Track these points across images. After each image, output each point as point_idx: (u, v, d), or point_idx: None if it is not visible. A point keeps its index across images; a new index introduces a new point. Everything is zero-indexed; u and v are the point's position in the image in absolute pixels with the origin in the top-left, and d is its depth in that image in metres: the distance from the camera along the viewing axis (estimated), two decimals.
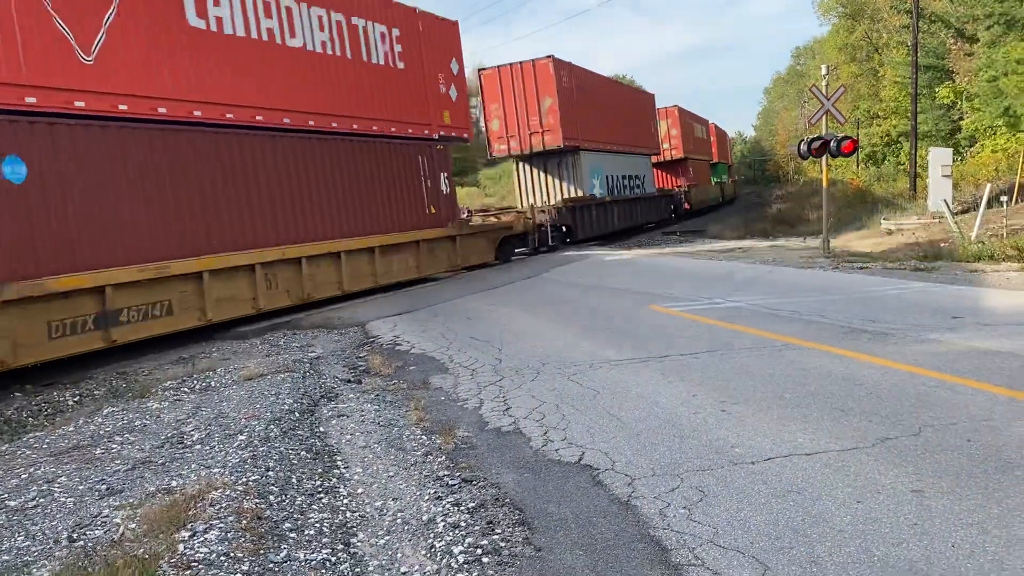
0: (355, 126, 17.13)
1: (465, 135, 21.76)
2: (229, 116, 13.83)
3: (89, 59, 11.45)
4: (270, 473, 5.81)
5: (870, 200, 35.86)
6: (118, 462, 6.42)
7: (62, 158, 11.07)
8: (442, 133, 20.41)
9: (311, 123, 15.87)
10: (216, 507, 5.06)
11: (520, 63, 27.63)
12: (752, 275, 16.32)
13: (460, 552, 4.46)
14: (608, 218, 31.23)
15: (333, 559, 4.49)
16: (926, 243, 19.28)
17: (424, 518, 5.01)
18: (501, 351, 10.09)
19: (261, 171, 14.64)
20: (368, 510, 5.25)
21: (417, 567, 4.35)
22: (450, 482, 5.62)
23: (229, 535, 4.64)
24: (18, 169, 10.55)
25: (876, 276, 14.76)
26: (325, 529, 4.92)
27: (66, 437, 7.44)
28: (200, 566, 4.28)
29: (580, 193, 28.69)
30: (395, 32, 18.75)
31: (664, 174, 44.80)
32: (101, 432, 7.46)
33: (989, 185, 21.32)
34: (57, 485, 5.95)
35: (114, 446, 6.93)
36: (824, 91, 20.08)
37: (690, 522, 4.57)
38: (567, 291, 16.09)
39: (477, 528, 4.78)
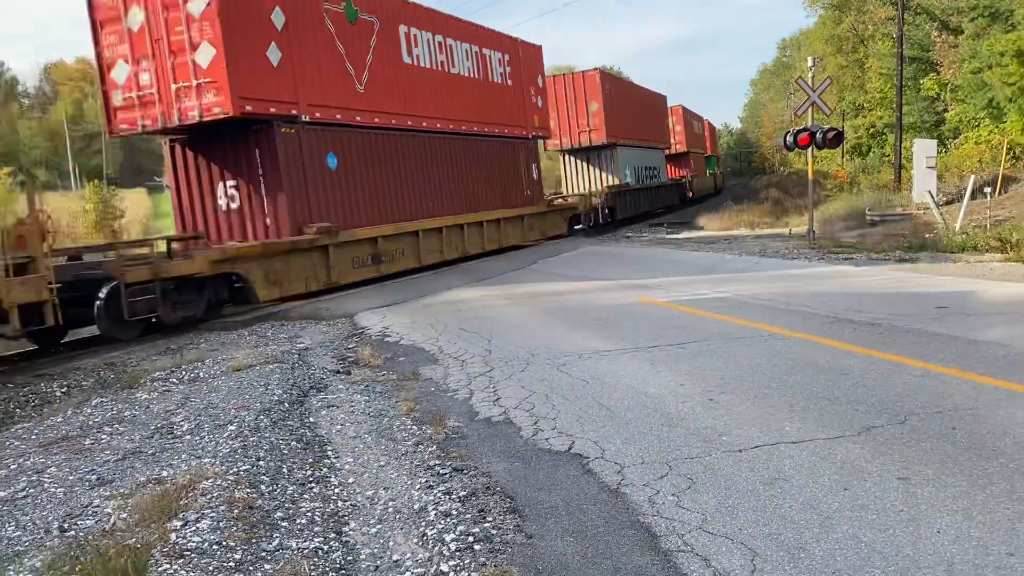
0: (485, 129, 23.60)
1: (545, 134, 28.61)
2: (424, 124, 20.34)
3: (361, 89, 17.82)
4: (261, 463, 5.82)
5: (856, 191, 36.01)
6: (108, 452, 6.42)
7: (351, 153, 17.49)
8: (533, 134, 27.19)
9: (463, 128, 22.30)
10: (207, 496, 5.08)
11: (571, 74, 34.83)
12: (739, 266, 16.41)
13: (452, 540, 4.49)
14: (637, 202, 37.49)
15: (325, 547, 4.51)
16: (911, 234, 19.41)
17: (415, 507, 5.04)
18: (490, 341, 10.12)
19: (439, 162, 21.05)
20: (359, 499, 5.27)
21: (409, 555, 4.38)
22: (441, 471, 5.64)
23: (221, 524, 4.65)
24: (334, 161, 16.87)
25: (861, 266, 14.88)
26: (317, 518, 4.94)
27: (55, 428, 7.42)
28: (193, 555, 4.30)
29: (617, 181, 34.42)
30: (505, 57, 25.39)
31: (671, 166, 48.70)
32: (90, 423, 7.45)
33: (973, 176, 21.47)
34: (47, 476, 5.94)
35: (103, 436, 6.93)
36: (810, 83, 20.16)
37: (679, 509, 4.61)
38: (555, 283, 16.13)
39: (468, 516, 4.81)
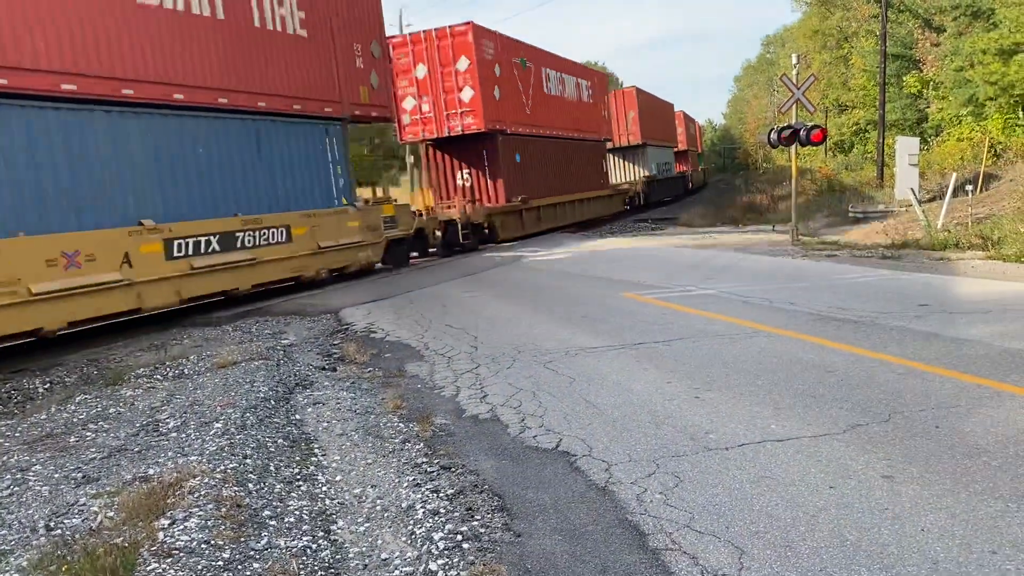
0: (583, 135, 34.65)
1: (609, 138, 39.90)
2: (559, 134, 31.44)
3: (528, 110, 28.08)
4: (248, 461, 5.81)
5: (838, 188, 36.22)
6: (93, 450, 6.39)
7: (528, 153, 27.94)
8: (604, 137, 38.88)
9: (573, 135, 33.30)
10: (195, 495, 5.06)
11: (614, 92, 44.82)
12: (723, 263, 16.48)
13: (440, 538, 4.50)
14: (660, 190, 48.32)
15: (314, 546, 4.51)
16: (893, 231, 19.54)
17: (403, 505, 5.04)
18: (476, 338, 10.13)
19: (564, 158, 32.07)
20: (347, 497, 5.27)
21: (398, 553, 4.39)
22: (428, 469, 5.65)
23: (209, 523, 4.64)
24: (519, 158, 26.67)
25: (844, 264, 14.97)
26: (305, 516, 4.94)
27: (38, 425, 7.38)
28: (181, 554, 4.29)
29: (648, 174, 44.90)
30: (590, 83, 36.78)
31: (676, 162, 59.27)
32: (74, 420, 7.41)
33: (955, 174, 21.62)
34: (32, 474, 5.91)
35: (88, 434, 6.89)
36: (795, 80, 20.25)
37: (667, 507, 4.64)
38: (544, 279, 16.15)
39: (457, 514, 4.82)
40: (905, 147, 25.47)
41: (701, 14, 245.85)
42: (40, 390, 9.09)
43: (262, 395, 7.73)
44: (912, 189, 21.97)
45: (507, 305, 12.76)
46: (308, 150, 16.88)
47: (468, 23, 24.13)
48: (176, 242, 13.13)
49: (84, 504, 5.17)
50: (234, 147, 14.84)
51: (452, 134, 24.78)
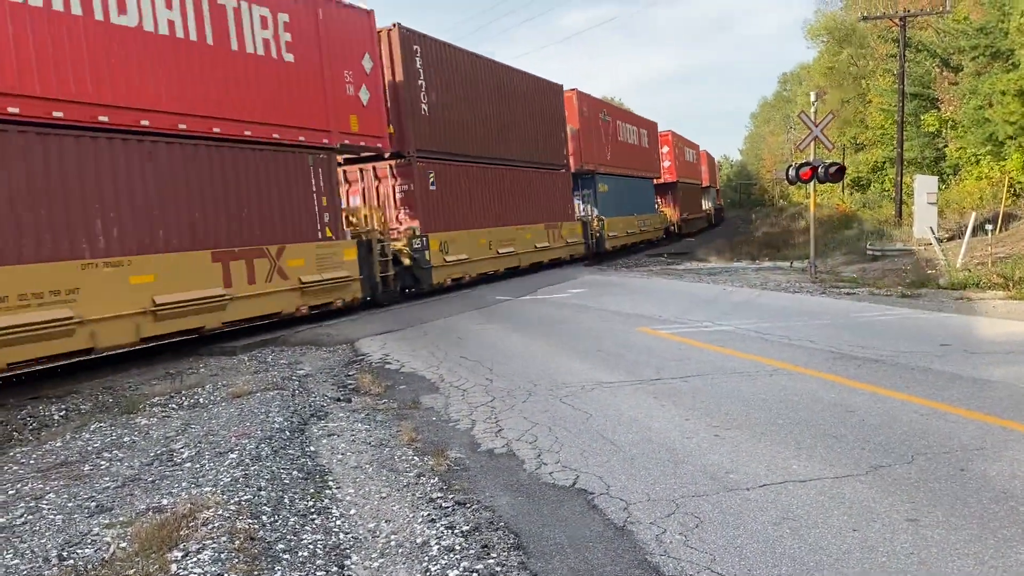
0: (646, 174, 42.52)
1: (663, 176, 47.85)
2: (628, 172, 38.27)
3: (608, 156, 35.07)
4: (262, 493, 5.76)
5: (856, 226, 36.10)
6: (107, 479, 6.35)
7: (610, 185, 35.35)
8: (654, 175, 45.23)
9: (640, 174, 40.72)
10: (208, 527, 5.01)
11: (659, 133, 48.02)
12: (740, 299, 16.39)
13: None
14: (696, 223, 55.46)
15: None
16: (912, 269, 19.41)
17: (418, 541, 4.97)
18: (492, 371, 10.07)
19: (635, 190, 39.47)
20: (361, 532, 5.21)
21: None
22: (443, 504, 5.58)
23: (222, 556, 4.59)
24: (606, 187, 34.66)
25: (863, 302, 14.86)
26: (319, 551, 4.87)
27: (53, 453, 7.36)
28: None
29: (680, 208, 50.91)
30: (646, 132, 43.00)
31: (702, 199, 64.22)
32: (89, 448, 7.38)
33: (974, 213, 21.52)
34: (45, 502, 5.87)
35: (102, 462, 6.86)
36: (813, 117, 20.26)
37: (687, 548, 4.55)
38: (557, 312, 16.10)
39: (472, 552, 4.74)
40: (924, 186, 25.40)
41: (718, 51, 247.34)
42: (55, 417, 9.08)
43: (277, 426, 7.69)
44: (931, 228, 21.88)
45: (521, 338, 12.71)
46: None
47: (574, 89, 30.24)
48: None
49: (97, 534, 5.12)
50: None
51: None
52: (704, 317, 13.70)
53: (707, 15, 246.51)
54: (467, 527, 5.13)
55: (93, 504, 5.74)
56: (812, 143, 20.31)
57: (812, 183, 20.20)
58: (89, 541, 5.02)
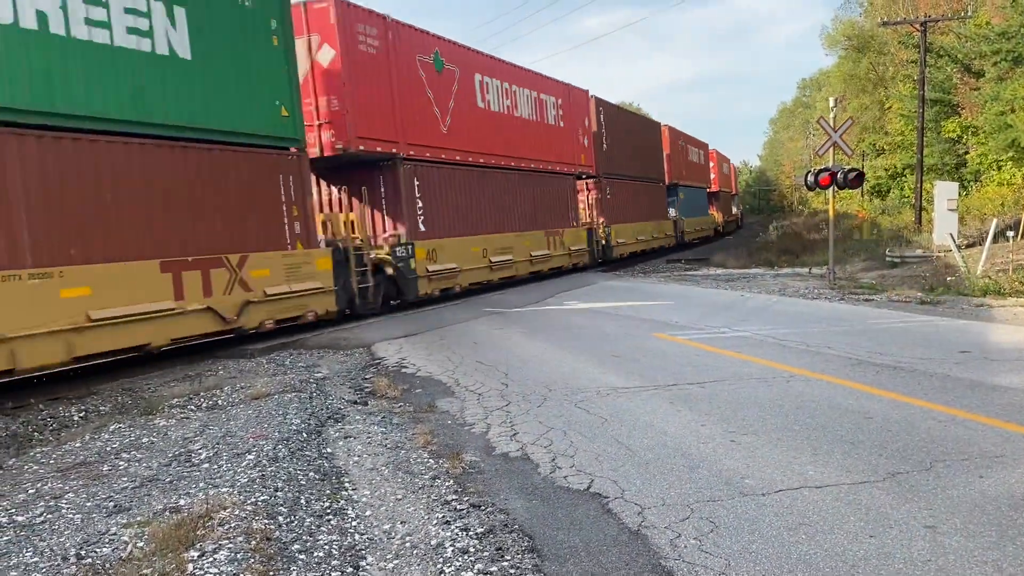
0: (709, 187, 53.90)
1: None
2: (692, 183, 49.64)
3: (683, 170, 46.95)
4: (279, 494, 5.80)
5: (875, 232, 35.90)
6: (125, 479, 6.41)
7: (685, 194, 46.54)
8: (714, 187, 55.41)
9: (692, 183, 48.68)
10: (225, 527, 5.05)
11: (706, 150, 55.76)
12: (758, 304, 16.33)
13: None
14: (730, 226, 62.29)
15: None
16: (932, 276, 19.28)
17: (433, 543, 4.99)
18: (507, 375, 10.08)
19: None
20: (376, 533, 5.22)
21: None
22: (458, 507, 5.59)
23: (239, 556, 4.62)
24: (683, 196, 44.44)
25: (882, 308, 14.77)
26: (334, 551, 4.89)
27: (72, 453, 7.43)
28: None
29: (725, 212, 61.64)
30: (700, 151, 51.16)
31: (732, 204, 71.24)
32: (108, 448, 7.45)
33: (995, 220, 21.34)
34: (64, 501, 5.93)
35: (121, 463, 6.92)
36: (832, 123, 20.17)
37: (701, 553, 4.54)
38: (573, 318, 16.10)
39: (486, 554, 4.75)
40: (944, 192, 25.21)
41: (737, 56, 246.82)
42: (75, 418, 9.17)
43: (294, 427, 7.74)
44: (951, 234, 21.71)
45: (537, 343, 12.71)
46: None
47: (667, 125, 28.33)
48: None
49: (115, 533, 5.17)
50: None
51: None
52: (721, 323, 13.66)
53: (726, 21, 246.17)
54: (481, 529, 5.13)
55: (111, 504, 5.79)
56: (831, 149, 20.21)
57: (831, 189, 20.10)
58: (107, 540, 5.07)
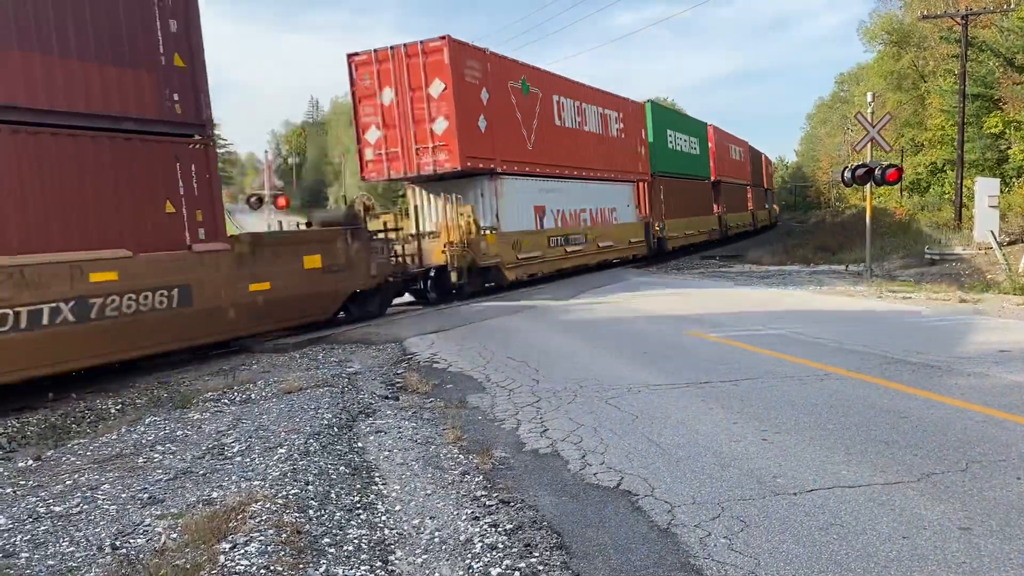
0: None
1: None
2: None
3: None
4: (309, 487, 5.84)
5: (914, 229, 35.38)
6: (160, 471, 6.50)
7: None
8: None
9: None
10: (256, 520, 5.10)
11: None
12: (793, 302, 16.17)
13: (498, 574, 4.44)
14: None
15: None
16: (972, 274, 18.96)
17: (461, 538, 5.00)
18: (538, 371, 10.08)
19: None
20: (406, 528, 5.25)
21: None
22: (487, 503, 5.60)
23: (269, 548, 4.66)
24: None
25: (920, 306, 14.55)
26: (363, 545, 4.93)
27: (109, 445, 7.55)
28: None
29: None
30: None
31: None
32: (143, 441, 7.56)
33: None
34: (100, 492, 6.03)
35: (156, 455, 7.02)
36: (870, 118, 19.90)
37: (731, 552, 4.51)
38: (604, 315, 16.05)
39: (515, 550, 4.75)
40: (985, 188, 24.79)
41: (774, 51, 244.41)
42: (112, 411, 9.32)
43: (326, 422, 7.80)
44: (992, 232, 21.34)
45: (568, 340, 12.69)
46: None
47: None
48: None
49: (149, 525, 5.25)
50: None
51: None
52: (755, 320, 13.54)
53: (762, 15, 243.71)
54: (510, 526, 5.14)
55: (146, 496, 5.88)
56: (869, 144, 19.95)
57: (868, 185, 19.84)
58: (141, 531, 5.15)
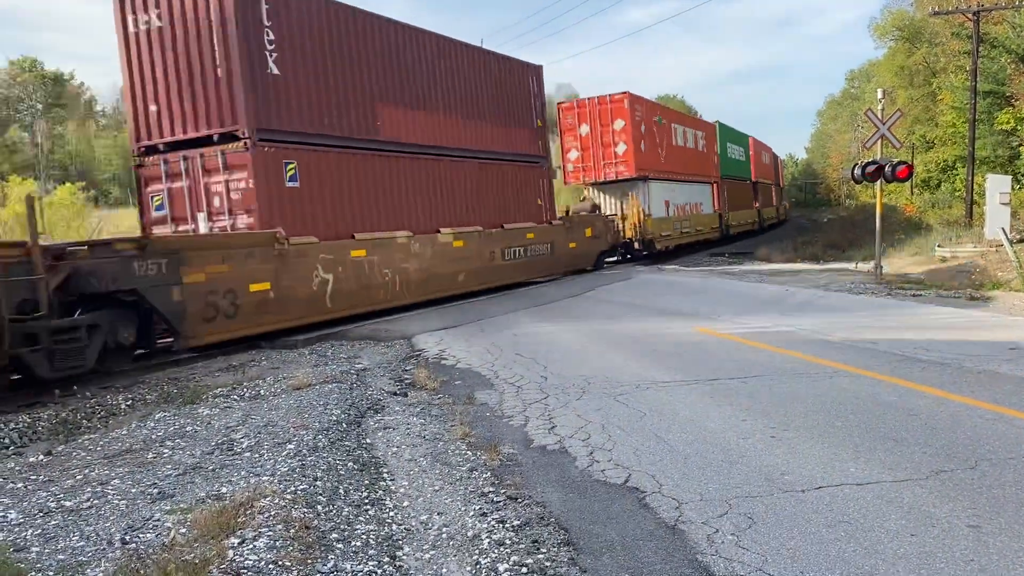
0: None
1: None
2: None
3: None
4: (318, 483, 5.87)
5: (924, 226, 35.22)
6: (169, 467, 6.53)
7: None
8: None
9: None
10: (265, 515, 5.12)
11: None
12: (803, 299, 16.12)
13: (505, 570, 4.45)
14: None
15: (379, 571, 4.50)
16: (982, 272, 18.87)
17: (469, 534, 5.01)
18: (546, 368, 10.08)
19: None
20: (414, 523, 5.27)
21: None
22: (495, 499, 5.62)
23: (277, 543, 4.68)
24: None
25: (930, 304, 14.49)
26: (371, 541, 4.94)
27: (119, 440, 7.58)
28: (249, 573, 4.33)
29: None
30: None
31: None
32: (153, 436, 7.59)
33: None
34: (110, 487, 6.06)
35: (165, 451, 7.05)
36: (880, 115, 19.82)
37: (739, 549, 4.51)
38: (614, 309, 16.04)
39: (522, 546, 4.76)
40: (996, 185, 24.66)
41: (784, 47, 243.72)
42: (122, 406, 9.36)
43: (334, 418, 7.82)
44: (1003, 229, 21.22)
45: (577, 336, 12.69)
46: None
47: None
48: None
49: (158, 519, 5.27)
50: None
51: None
52: (765, 317, 13.51)
53: (773, 12, 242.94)
54: (518, 522, 5.15)
55: (155, 491, 5.90)
56: (879, 141, 19.85)
57: (878, 182, 19.75)
58: (151, 526, 5.17)
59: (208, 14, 13.51)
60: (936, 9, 39.97)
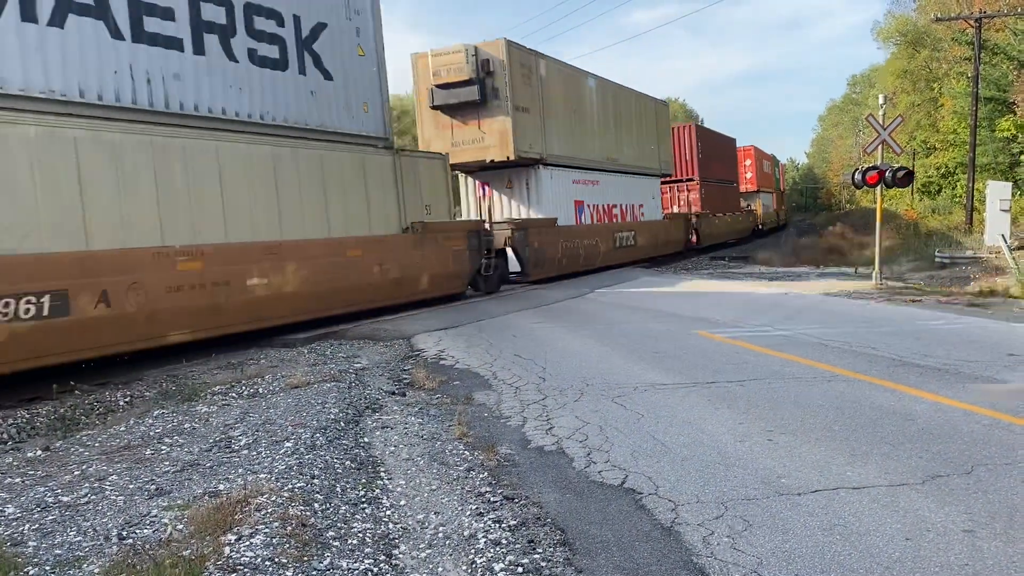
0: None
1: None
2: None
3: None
4: (315, 481, 5.88)
5: (924, 232, 35.26)
6: (167, 463, 6.54)
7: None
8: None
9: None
10: (262, 512, 5.13)
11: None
12: (802, 304, 16.13)
13: (501, 570, 4.46)
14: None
15: (375, 570, 4.51)
16: (982, 277, 18.89)
17: (465, 533, 5.02)
18: (545, 369, 10.10)
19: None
20: (410, 522, 5.27)
21: None
22: (492, 499, 5.62)
23: (274, 540, 4.70)
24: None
25: (929, 310, 14.51)
26: (368, 539, 4.95)
27: (117, 436, 7.60)
28: (245, 570, 4.34)
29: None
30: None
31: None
32: (151, 433, 7.61)
33: None
34: (108, 483, 6.08)
35: (163, 447, 7.07)
36: (881, 120, 19.84)
37: (734, 551, 4.52)
38: (613, 312, 16.06)
39: (518, 546, 4.77)
40: (997, 192, 24.71)
41: (788, 51, 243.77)
42: (121, 403, 9.37)
43: (332, 417, 7.83)
44: (1003, 235, 21.26)
45: (576, 338, 12.71)
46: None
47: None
48: None
49: (156, 516, 5.29)
50: None
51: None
52: (764, 321, 13.52)
53: (778, 16, 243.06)
54: (514, 522, 5.16)
55: (153, 487, 5.92)
56: (880, 147, 19.88)
57: (879, 188, 19.77)
58: (148, 522, 5.19)
59: None
60: (938, 15, 40.00)
